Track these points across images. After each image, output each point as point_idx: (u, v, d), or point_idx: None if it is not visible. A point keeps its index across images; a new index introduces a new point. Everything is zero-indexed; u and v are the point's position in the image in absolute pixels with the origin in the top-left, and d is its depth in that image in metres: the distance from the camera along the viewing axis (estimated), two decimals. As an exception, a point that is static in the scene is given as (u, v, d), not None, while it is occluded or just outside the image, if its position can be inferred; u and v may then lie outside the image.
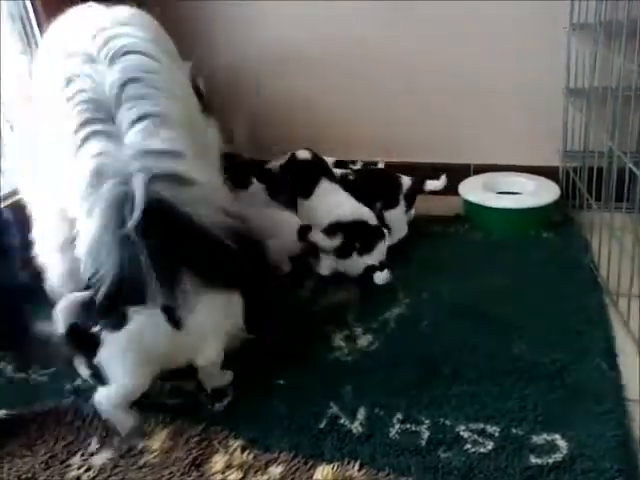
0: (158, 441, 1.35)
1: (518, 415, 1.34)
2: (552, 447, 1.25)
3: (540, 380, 1.43)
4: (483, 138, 2.43)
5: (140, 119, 1.37)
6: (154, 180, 1.32)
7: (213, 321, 1.40)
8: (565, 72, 2.18)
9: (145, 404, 1.45)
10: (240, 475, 1.25)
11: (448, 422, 1.34)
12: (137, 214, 1.27)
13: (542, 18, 2.19)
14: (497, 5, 2.22)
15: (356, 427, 1.35)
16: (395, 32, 2.36)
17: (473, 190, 2.26)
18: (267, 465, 1.27)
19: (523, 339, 1.58)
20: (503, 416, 1.34)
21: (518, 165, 2.36)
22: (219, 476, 1.25)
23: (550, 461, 1.22)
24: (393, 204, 2.12)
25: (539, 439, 1.27)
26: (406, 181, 2.16)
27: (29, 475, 1.29)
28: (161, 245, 1.30)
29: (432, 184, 2.17)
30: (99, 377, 1.34)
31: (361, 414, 1.38)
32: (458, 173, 2.39)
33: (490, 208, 2.16)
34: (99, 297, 1.29)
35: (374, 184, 2.16)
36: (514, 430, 1.30)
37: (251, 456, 1.29)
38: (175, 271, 1.32)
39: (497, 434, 1.30)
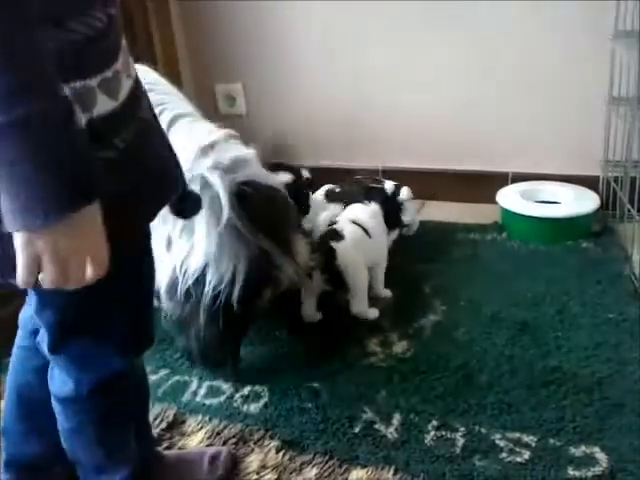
0: (196, 440, 1.37)
1: (555, 426, 1.33)
2: (591, 460, 1.24)
3: (578, 391, 1.42)
4: (522, 146, 2.41)
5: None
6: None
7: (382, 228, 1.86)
8: (609, 80, 2.15)
9: (184, 404, 1.48)
10: (275, 476, 1.27)
11: (483, 430, 1.33)
12: (226, 210, 1.33)
13: (586, 26, 2.16)
14: (540, 12, 2.20)
15: (391, 432, 1.35)
16: (435, 39, 2.36)
17: (511, 198, 2.24)
18: (301, 467, 1.28)
19: (561, 349, 1.57)
20: (540, 426, 1.33)
21: (557, 174, 2.34)
22: (254, 476, 1.27)
23: (589, 474, 1.20)
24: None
25: (577, 451, 1.26)
26: (389, 187, 2.13)
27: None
28: (268, 222, 1.40)
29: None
30: (339, 281, 1.68)
31: (396, 420, 1.39)
32: (496, 181, 2.38)
33: (528, 217, 2.14)
34: (238, 296, 1.38)
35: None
36: (551, 440, 1.29)
37: (286, 457, 1.31)
38: (289, 236, 1.48)
39: (534, 444, 1.29)
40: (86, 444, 1.05)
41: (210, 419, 1.43)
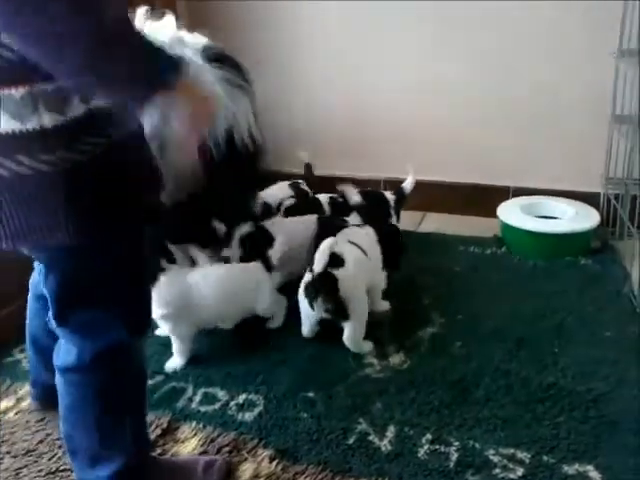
0: (189, 447, 1.37)
1: (550, 443, 1.32)
2: (584, 478, 1.23)
3: (574, 409, 1.41)
4: (523, 160, 2.42)
5: None
6: None
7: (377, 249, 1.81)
8: (611, 98, 2.16)
9: (178, 411, 1.48)
10: (268, 485, 1.27)
11: (478, 445, 1.33)
12: None
13: (590, 43, 2.18)
14: (544, 29, 2.21)
15: (385, 445, 1.35)
16: (439, 53, 2.38)
17: (511, 213, 2.24)
18: (295, 477, 1.28)
19: (557, 366, 1.56)
20: (534, 442, 1.33)
21: (558, 190, 2.34)
22: (247, 485, 1.27)
23: (582, 492, 1.20)
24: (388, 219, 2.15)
25: (571, 469, 1.26)
26: (390, 195, 2.18)
27: (67, 467, 1.34)
28: None
29: (408, 184, 2.20)
30: (342, 311, 1.61)
31: (391, 432, 1.38)
32: (497, 195, 2.39)
33: (528, 232, 2.14)
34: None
35: (369, 204, 2.13)
36: (545, 457, 1.29)
37: (279, 467, 1.31)
38: None
39: (528, 460, 1.28)
40: (83, 425, 1.10)
41: (204, 426, 1.43)
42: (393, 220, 2.14)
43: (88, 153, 0.92)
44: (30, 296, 1.37)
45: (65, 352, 1.07)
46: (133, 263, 1.07)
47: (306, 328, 1.71)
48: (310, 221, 1.94)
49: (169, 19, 1.48)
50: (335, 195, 2.15)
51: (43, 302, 1.22)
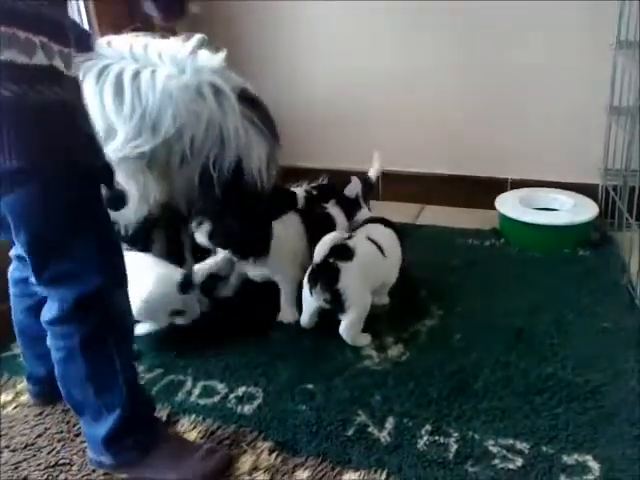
0: (189, 439, 1.37)
1: (549, 433, 1.33)
2: (583, 468, 1.24)
3: (573, 400, 1.42)
4: (522, 153, 2.42)
5: None
6: None
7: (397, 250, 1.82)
8: (609, 89, 2.15)
9: (178, 404, 1.48)
10: (267, 477, 1.27)
11: (477, 436, 1.33)
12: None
13: (588, 35, 2.17)
14: (541, 20, 2.20)
15: (384, 436, 1.35)
16: (436, 43, 2.37)
17: (510, 205, 2.24)
18: (294, 469, 1.28)
19: (556, 357, 1.57)
20: (533, 433, 1.33)
21: (557, 181, 2.34)
22: (246, 477, 1.28)
23: (581, 482, 1.21)
24: (358, 208, 2.13)
25: (570, 459, 1.26)
26: (357, 182, 2.15)
27: (66, 461, 1.34)
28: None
29: (374, 171, 2.21)
30: (339, 303, 1.60)
31: (390, 423, 1.39)
32: (495, 187, 2.39)
33: (526, 224, 2.14)
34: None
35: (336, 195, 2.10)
36: (544, 448, 1.29)
37: (279, 459, 1.31)
38: None
39: (527, 451, 1.29)
40: (77, 379, 1.19)
41: (204, 419, 1.43)
42: (365, 210, 2.13)
43: (41, 94, 1.00)
44: (10, 285, 1.41)
45: (48, 308, 1.16)
46: (91, 212, 1.14)
47: (306, 317, 1.71)
48: (292, 219, 1.89)
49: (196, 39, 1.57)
50: (311, 188, 2.10)
51: (22, 286, 1.35)
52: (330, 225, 1.89)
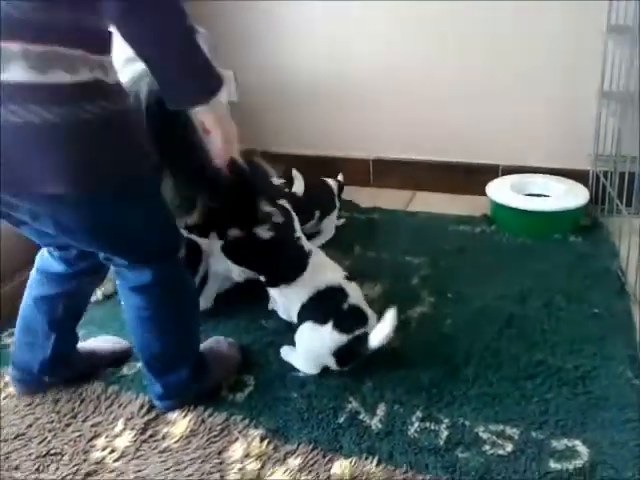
0: (180, 427, 1.37)
1: (538, 419, 1.34)
2: (573, 453, 1.25)
3: (562, 385, 1.43)
4: (513, 139, 2.41)
5: None
6: None
7: None
8: (600, 75, 2.15)
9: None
10: (258, 465, 1.27)
11: (467, 422, 1.34)
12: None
13: (578, 19, 2.15)
14: (531, 5, 2.19)
15: (375, 423, 1.36)
16: (426, 31, 2.35)
17: (501, 191, 2.24)
18: (285, 456, 1.29)
19: (547, 343, 1.57)
20: (523, 419, 1.34)
21: (547, 167, 2.34)
22: (237, 465, 1.28)
23: (570, 467, 1.22)
24: (332, 209, 2.16)
25: (559, 444, 1.27)
26: (333, 184, 2.18)
27: (57, 451, 1.34)
28: None
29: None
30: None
31: (381, 410, 1.39)
32: (486, 173, 2.38)
33: (517, 210, 2.14)
34: None
35: (313, 193, 2.07)
36: (534, 434, 1.30)
37: (270, 447, 1.31)
38: None
39: (516, 437, 1.29)
40: (162, 332, 1.34)
41: (195, 407, 1.42)
42: (336, 210, 2.18)
43: (89, 113, 1.02)
44: (35, 271, 1.44)
45: (138, 275, 1.28)
46: (156, 211, 1.27)
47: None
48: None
49: None
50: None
51: (47, 276, 1.41)
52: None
